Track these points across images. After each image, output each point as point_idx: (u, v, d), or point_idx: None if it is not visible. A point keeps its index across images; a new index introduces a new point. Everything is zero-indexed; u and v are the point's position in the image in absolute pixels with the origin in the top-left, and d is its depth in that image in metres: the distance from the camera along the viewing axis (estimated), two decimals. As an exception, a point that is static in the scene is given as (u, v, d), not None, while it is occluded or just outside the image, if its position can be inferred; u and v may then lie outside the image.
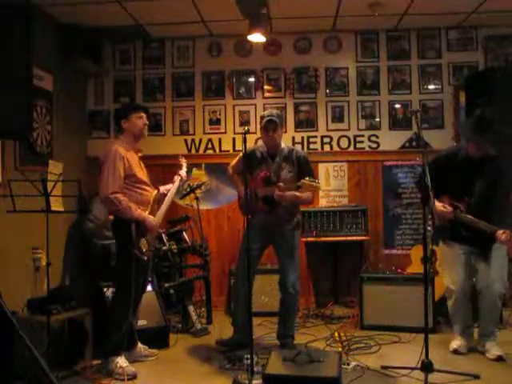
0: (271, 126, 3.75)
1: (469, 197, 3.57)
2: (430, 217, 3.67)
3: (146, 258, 3.48)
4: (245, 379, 3.08)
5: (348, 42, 5.56)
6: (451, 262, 3.74)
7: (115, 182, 3.39)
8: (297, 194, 3.63)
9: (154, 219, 3.55)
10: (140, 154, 3.69)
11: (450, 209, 3.60)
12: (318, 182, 3.52)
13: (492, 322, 3.64)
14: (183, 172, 4.00)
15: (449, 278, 3.76)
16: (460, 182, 3.61)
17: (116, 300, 3.54)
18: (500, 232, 3.38)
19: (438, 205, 3.61)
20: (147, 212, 3.54)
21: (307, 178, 3.49)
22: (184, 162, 4.09)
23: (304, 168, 3.80)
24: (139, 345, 3.72)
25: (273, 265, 4.45)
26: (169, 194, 3.78)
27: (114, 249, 3.74)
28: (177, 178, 3.90)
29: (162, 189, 3.81)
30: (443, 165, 3.69)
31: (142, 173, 3.61)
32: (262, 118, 3.86)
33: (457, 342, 3.77)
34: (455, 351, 3.73)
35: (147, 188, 3.61)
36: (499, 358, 3.50)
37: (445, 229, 3.72)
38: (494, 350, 3.56)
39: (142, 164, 3.68)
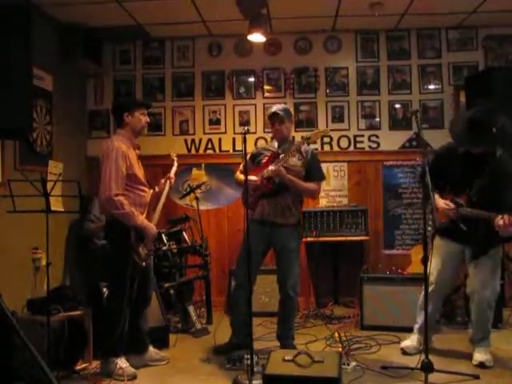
0: (276, 119, 3.79)
1: (470, 191, 3.45)
2: (430, 217, 3.61)
3: (144, 264, 3.44)
4: (245, 379, 3.09)
5: (348, 42, 5.56)
6: (439, 255, 3.63)
7: (118, 183, 3.28)
8: (295, 179, 3.68)
9: (153, 226, 3.47)
10: (138, 152, 3.60)
11: (452, 206, 3.50)
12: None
13: (481, 329, 3.53)
14: (172, 173, 3.79)
15: (431, 271, 3.57)
16: (460, 176, 3.50)
17: (111, 300, 3.48)
18: (498, 218, 3.25)
19: (441, 202, 3.53)
20: (144, 214, 3.47)
21: (315, 130, 3.64)
22: (175, 161, 3.89)
23: (312, 161, 3.82)
24: (151, 348, 3.65)
25: (273, 265, 4.43)
26: (161, 198, 3.65)
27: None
28: (164, 181, 3.71)
29: (157, 189, 3.72)
30: (445, 160, 3.61)
31: (140, 172, 3.52)
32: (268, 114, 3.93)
33: (407, 342, 3.75)
34: (403, 351, 3.72)
35: (145, 189, 3.53)
36: (481, 364, 3.40)
37: (444, 226, 3.64)
38: (476, 356, 3.47)
39: (140, 162, 3.58)
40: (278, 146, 3.87)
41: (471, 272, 3.57)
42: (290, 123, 3.88)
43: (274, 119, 3.81)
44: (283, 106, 3.96)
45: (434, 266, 3.62)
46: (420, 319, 3.74)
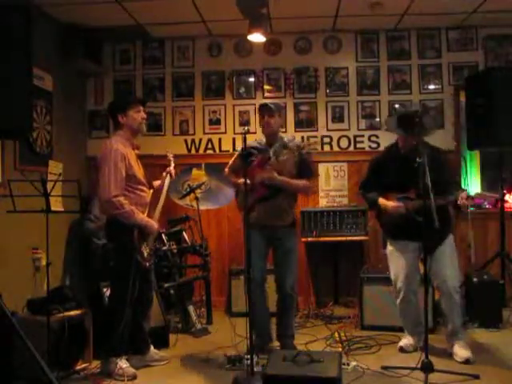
0: (266, 112, 3.77)
1: (415, 186, 3.42)
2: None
3: (147, 263, 3.46)
4: (245, 379, 3.08)
5: (348, 42, 5.56)
6: (398, 260, 3.68)
7: (117, 185, 3.29)
8: (288, 179, 3.66)
9: (154, 223, 3.49)
10: (137, 151, 3.60)
11: (395, 203, 3.57)
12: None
13: (455, 320, 3.57)
14: (171, 167, 3.85)
15: (396, 276, 3.71)
16: (402, 175, 3.52)
17: (113, 300, 3.49)
18: (459, 193, 3.34)
19: (389, 203, 3.61)
20: (145, 213, 3.49)
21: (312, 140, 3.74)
22: (171, 158, 3.92)
23: (302, 159, 3.79)
24: (152, 349, 3.66)
25: (270, 265, 4.43)
26: (162, 192, 3.69)
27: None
28: (165, 175, 3.78)
29: (157, 183, 3.76)
30: (383, 164, 3.73)
31: (140, 172, 3.52)
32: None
33: (404, 341, 3.81)
34: (401, 349, 3.77)
35: (145, 188, 3.54)
36: (467, 361, 3.43)
37: (392, 227, 3.70)
38: (461, 353, 3.49)
39: (139, 162, 3.59)
40: (268, 144, 3.83)
41: (434, 267, 3.54)
42: (279, 118, 3.84)
43: (263, 111, 3.78)
44: (274, 101, 3.98)
45: (396, 271, 3.72)
46: (408, 328, 3.82)
